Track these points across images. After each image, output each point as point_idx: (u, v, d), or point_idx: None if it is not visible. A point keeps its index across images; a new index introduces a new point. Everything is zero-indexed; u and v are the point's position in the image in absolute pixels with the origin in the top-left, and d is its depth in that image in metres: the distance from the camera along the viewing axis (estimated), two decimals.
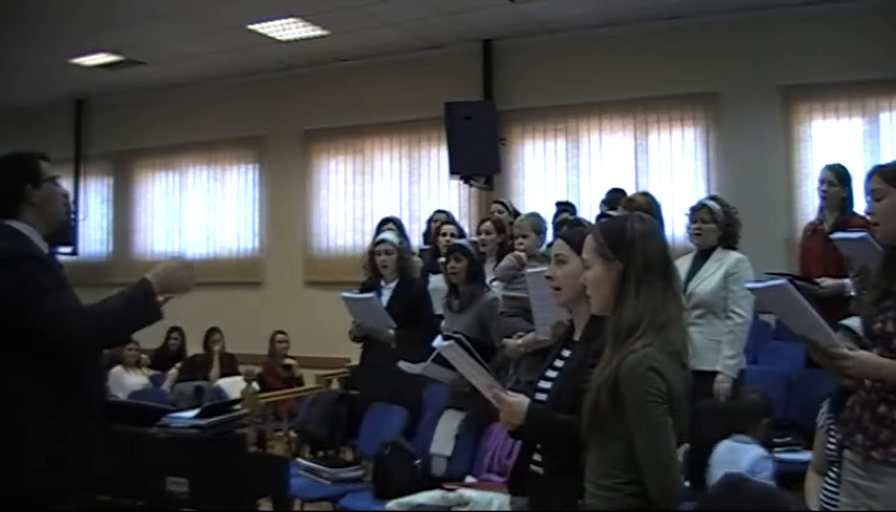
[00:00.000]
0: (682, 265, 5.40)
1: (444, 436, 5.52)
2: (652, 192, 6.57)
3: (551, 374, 3.11)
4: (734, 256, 5.42)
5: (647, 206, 5.50)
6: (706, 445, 4.63)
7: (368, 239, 7.53)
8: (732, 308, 5.29)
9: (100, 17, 9.10)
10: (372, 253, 6.38)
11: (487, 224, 6.76)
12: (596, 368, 2.60)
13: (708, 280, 5.37)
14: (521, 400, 2.97)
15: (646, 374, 2.47)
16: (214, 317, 10.13)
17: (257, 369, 9.11)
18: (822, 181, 6.04)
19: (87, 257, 12.77)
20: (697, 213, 5.56)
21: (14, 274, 3.05)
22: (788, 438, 5.26)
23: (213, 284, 10.88)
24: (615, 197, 7.33)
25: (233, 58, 10.73)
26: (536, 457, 3.07)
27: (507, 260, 5.94)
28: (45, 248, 3.30)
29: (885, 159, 5.05)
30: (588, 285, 2.76)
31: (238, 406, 4.38)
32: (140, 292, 3.26)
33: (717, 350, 5.25)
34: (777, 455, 4.78)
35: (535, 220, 6.01)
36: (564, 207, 7.81)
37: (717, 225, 5.47)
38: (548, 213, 7.60)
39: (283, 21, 9.41)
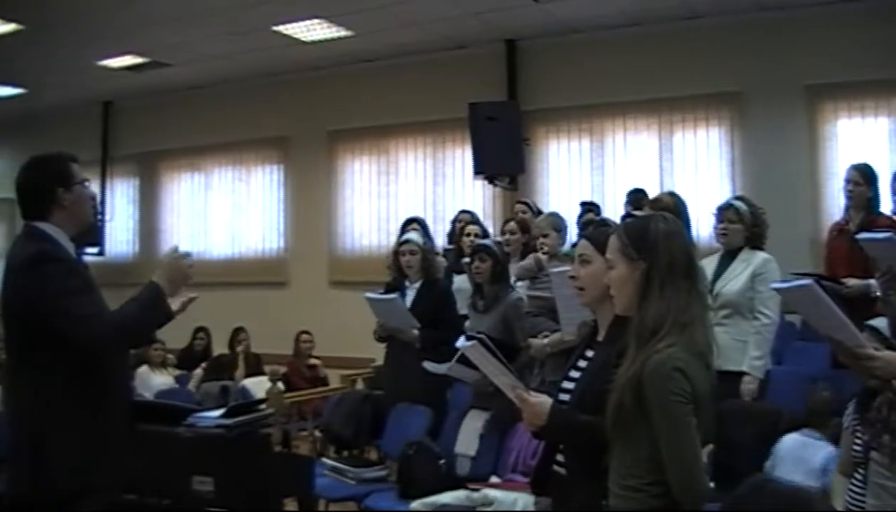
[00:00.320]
0: (709, 265, 5.37)
1: (469, 436, 5.53)
2: (676, 192, 6.54)
3: (574, 374, 3.11)
4: (761, 256, 5.38)
5: (674, 206, 5.48)
6: (731, 445, 4.62)
7: (393, 239, 7.52)
8: (759, 309, 5.25)
9: (126, 19, 9.15)
10: (396, 253, 6.38)
11: (512, 224, 6.76)
12: (620, 369, 2.59)
13: (735, 280, 5.34)
14: (544, 401, 2.98)
15: (670, 374, 2.45)
16: (240, 317, 10.18)
17: (282, 369, 9.15)
18: (847, 181, 6.01)
19: (114, 258, 12.84)
20: (724, 213, 5.53)
21: (40, 277, 3.08)
22: None
23: (238, 285, 10.95)
24: (637, 197, 7.32)
25: (258, 59, 10.77)
26: (559, 457, 3.07)
27: (527, 261, 5.96)
28: (73, 250, 3.33)
29: None
30: (612, 285, 2.75)
31: (263, 406, 4.39)
32: (151, 295, 3.29)
33: (744, 350, 5.21)
34: None
35: (555, 220, 5.99)
36: (589, 207, 7.79)
37: (743, 225, 5.43)
38: (572, 214, 7.60)
39: (308, 22, 9.43)
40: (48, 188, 3.26)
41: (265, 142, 11.85)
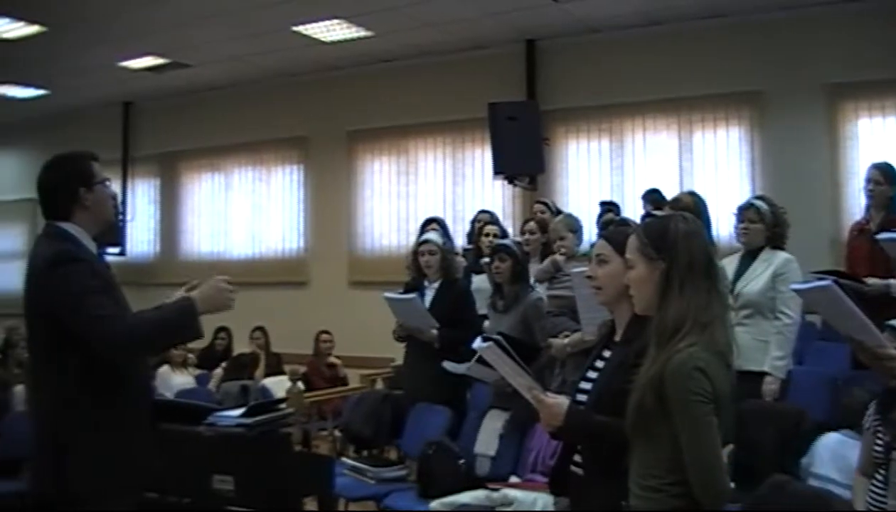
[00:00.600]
0: (730, 265, 5.35)
1: (489, 436, 5.53)
2: (696, 192, 6.53)
3: (592, 374, 3.11)
4: (782, 256, 5.34)
5: (694, 206, 5.47)
6: (752, 446, 4.60)
7: (412, 239, 7.52)
8: (781, 309, 5.21)
9: (146, 20, 9.22)
10: (415, 253, 6.39)
11: (531, 224, 6.77)
12: (640, 368, 2.58)
13: (756, 280, 5.31)
14: (561, 401, 2.98)
15: (691, 373, 2.45)
16: (259, 316, 10.20)
17: (302, 369, 9.16)
18: (868, 180, 5.98)
19: (135, 258, 12.91)
20: (745, 212, 5.49)
21: (62, 277, 3.08)
22: None
23: (258, 285, 10.96)
24: (653, 197, 7.30)
25: (277, 59, 10.81)
26: (577, 458, 3.08)
27: (544, 264, 5.99)
28: (95, 249, 3.33)
29: None
30: (631, 285, 2.75)
31: (283, 405, 4.40)
32: (181, 311, 3.25)
33: (765, 350, 5.18)
34: None
35: (569, 221, 6.00)
36: (609, 207, 7.79)
37: (764, 225, 5.40)
38: (591, 214, 7.59)
39: (328, 22, 9.46)
40: (70, 188, 3.25)
41: (285, 142, 11.88)
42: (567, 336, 5.21)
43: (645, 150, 9.50)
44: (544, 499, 4.38)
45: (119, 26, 9.39)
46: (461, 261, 7.13)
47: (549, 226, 6.31)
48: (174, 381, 8.98)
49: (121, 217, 12.50)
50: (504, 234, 7.16)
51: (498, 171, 9.22)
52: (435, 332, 6.01)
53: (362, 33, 9.78)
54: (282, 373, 9.38)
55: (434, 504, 4.85)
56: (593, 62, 9.68)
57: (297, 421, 6.58)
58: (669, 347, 2.51)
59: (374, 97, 11.04)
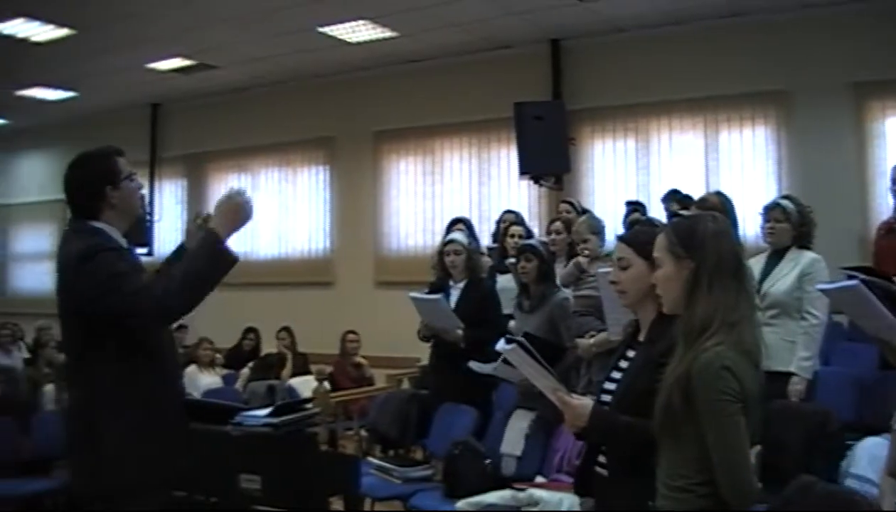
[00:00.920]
0: (756, 265, 5.32)
1: (515, 436, 5.53)
2: (723, 191, 6.50)
3: (616, 375, 3.11)
4: (809, 256, 5.30)
5: (721, 206, 5.44)
6: (779, 446, 4.58)
7: (438, 239, 7.53)
8: (808, 309, 5.17)
9: (173, 23, 9.29)
10: (441, 253, 6.39)
11: (557, 224, 6.77)
12: (668, 368, 2.58)
13: (782, 280, 5.27)
14: (585, 402, 2.98)
15: (719, 373, 2.44)
16: (286, 316, 10.25)
17: (328, 369, 9.20)
18: (894, 180, 5.94)
19: (163, 258, 12.86)
20: (771, 212, 5.46)
21: (94, 267, 3.07)
22: None
23: (284, 285, 11.01)
24: (676, 198, 7.28)
25: (303, 60, 10.85)
26: (602, 458, 3.08)
27: (568, 267, 6.00)
28: (125, 245, 3.33)
29: None
30: (658, 284, 2.74)
31: (310, 405, 4.43)
32: (207, 248, 3.22)
33: (792, 350, 5.14)
34: None
35: (591, 222, 6.00)
36: (635, 207, 7.76)
37: (790, 224, 5.36)
38: (618, 213, 7.57)
39: (353, 23, 9.49)
40: (96, 188, 3.24)
41: (311, 142, 11.92)
42: (593, 336, 5.21)
43: (671, 150, 9.47)
44: (570, 499, 4.37)
45: (146, 29, 9.45)
46: (487, 260, 7.13)
47: (572, 227, 6.31)
48: (201, 381, 9.04)
49: (148, 217, 12.57)
50: (529, 235, 7.15)
51: (524, 170, 9.22)
52: (460, 332, 6.00)
53: (388, 34, 9.81)
54: (308, 373, 9.43)
55: (460, 504, 4.85)
56: (619, 62, 9.66)
57: (323, 421, 6.61)
58: (696, 346, 2.50)
59: (399, 97, 11.07)
